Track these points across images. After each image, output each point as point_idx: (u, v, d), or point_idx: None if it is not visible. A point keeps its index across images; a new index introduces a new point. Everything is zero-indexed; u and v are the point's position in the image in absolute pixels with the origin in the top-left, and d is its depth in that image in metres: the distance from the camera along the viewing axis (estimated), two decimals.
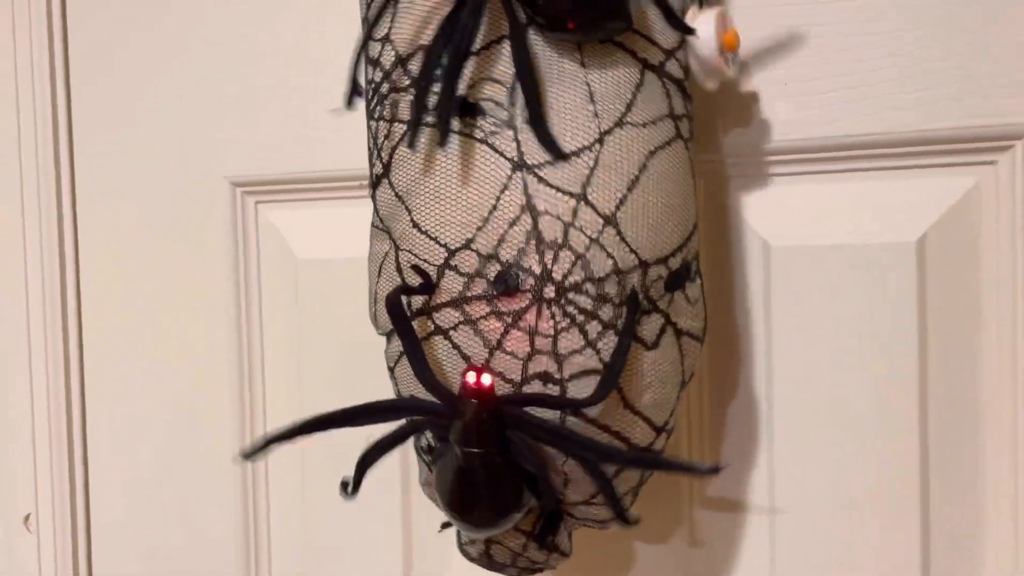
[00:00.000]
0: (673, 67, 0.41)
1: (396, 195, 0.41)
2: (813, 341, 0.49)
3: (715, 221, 0.50)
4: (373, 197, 0.44)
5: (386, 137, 0.42)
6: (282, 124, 0.60)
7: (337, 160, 0.58)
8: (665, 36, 0.41)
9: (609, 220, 0.38)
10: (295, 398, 0.61)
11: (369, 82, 0.44)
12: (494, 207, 0.39)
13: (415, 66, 0.41)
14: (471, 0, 0.39)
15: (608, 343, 0.38)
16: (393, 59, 0.42)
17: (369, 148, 0.44)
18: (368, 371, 0.58)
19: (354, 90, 0.42)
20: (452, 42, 0.38)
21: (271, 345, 0.62)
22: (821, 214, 0.49)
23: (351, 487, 0.43)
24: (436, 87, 0.39)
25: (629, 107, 0.40)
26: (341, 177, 0.59)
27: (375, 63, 0.43)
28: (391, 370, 0.44)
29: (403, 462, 0.57)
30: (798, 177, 0.49)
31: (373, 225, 0.44)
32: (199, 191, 0.63)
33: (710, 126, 0.50)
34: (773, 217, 0.49)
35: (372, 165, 0.43)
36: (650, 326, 0.40)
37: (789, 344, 0.49)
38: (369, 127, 0.44)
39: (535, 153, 0.39)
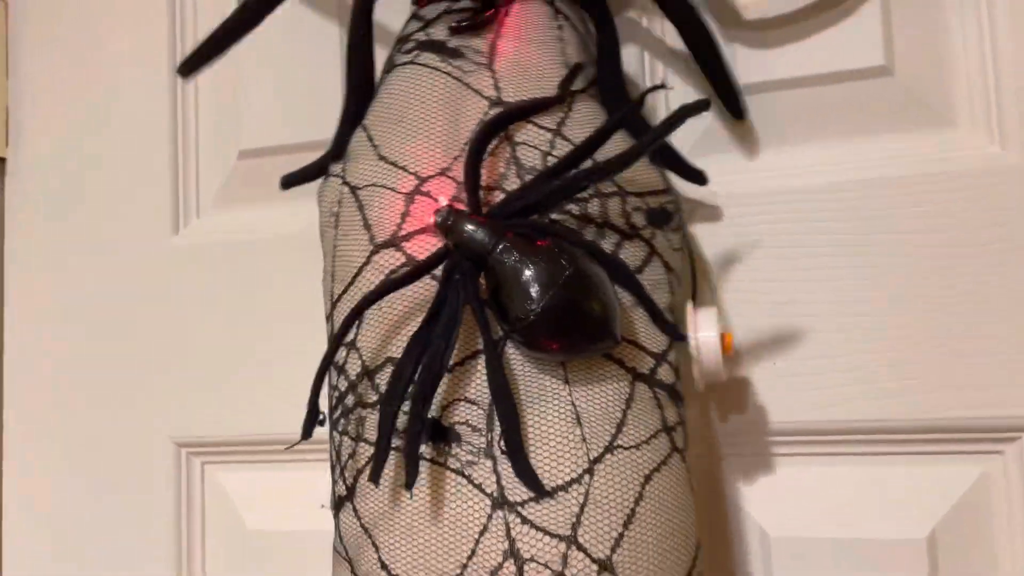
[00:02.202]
0: (664, 372, 0.38)
1: (362, 526, 0.37)
2: None
3: (710, 506, 0.46)
4: (336, 517, 0.39)
5: (351, 456, 0.38)
6: (233, 384, 0.55)
7: (294, 423, 0.54)
8: (653, 339, 0.38)
9: (605, 566, 0.34)
10: None
11: (333, 388, 0.40)
12: (473, 552, 0.34)
13: (383, 380, 0.37)
14: (444, 315, 0.35)
15: None
16: (359, 370, 0.38)
17: (332, 462, 0.39)
18: None
19: (313, 418, 0.38)
20: (424, 363, 0.35)
21: None
22: (822, 502, 0.45)
23: None
24: (405, 406, 0.36)
25: (620, 427, 0.36)
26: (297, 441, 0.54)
27: (340, 370, 0.39)
28: None
29: None
30: (796, 459, 0.46)
31: (335, 549, 0.39)
32: (141, 450, 0.57)
33: (703, 410, 0.47)
34: (772, 504, 0.46)
35: (335, 482, 0.39)
36: None
37: None
38: (332, 438, 0.39)
39: (518, 488, 0.35)
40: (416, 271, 0.36)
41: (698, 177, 0.46)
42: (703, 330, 0.40)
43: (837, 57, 0.46)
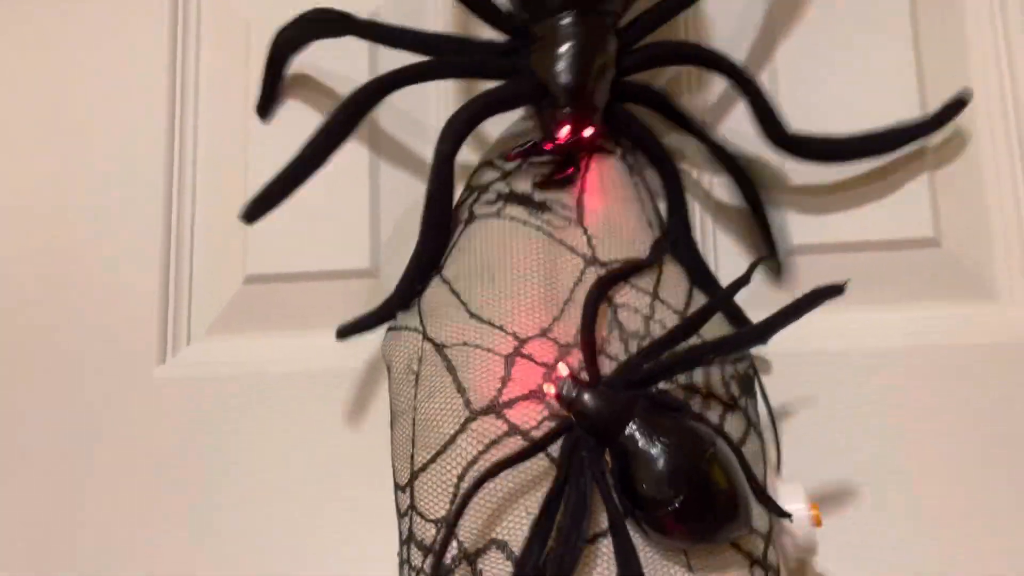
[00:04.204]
0: (771, 554, 0.37)
1: None
2: None
3: None
4: None
5: None
6: (224, 542, 0.49)
7: None
8: (760, 519, 0.37)
9: None
10: None
11: (416, 572, 0.36)
12: None
13: (486, 565, 0.34)
14: (570, 497, 0.33)
15: None
16: (456, 552, 0.34)
17: None
18: None
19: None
20: (555, 553, 0.32)
21: None
22: None
23: None
24: None
25: None
26: None
27: (426, 549, 0.35)
28: None
29: None
30: None
31: None
32: None
33: None
34: None
35: None
36: None
37: None
38: None
39: None
40: (534, 447, 0.34)
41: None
42: (794, 503, 0.39)
43: (886, 226, 0.47)
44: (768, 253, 0.47)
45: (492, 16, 0.43)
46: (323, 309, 0.51)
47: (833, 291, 0.35)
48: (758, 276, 0.48)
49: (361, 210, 0.52)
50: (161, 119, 0.54)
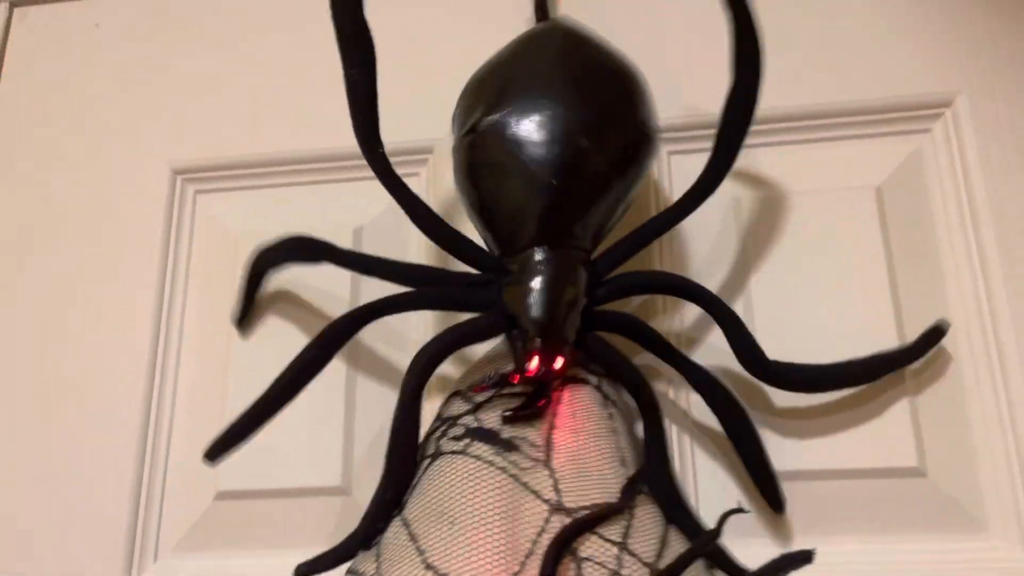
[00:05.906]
0: None
1: None
2: None
3: None
4: None
5: None
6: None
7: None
8: None
9: None
10: None
11: None
12: None
13: None
14: None
15: None
16: None
17: None
18: None
19: None
20: None
21: None
22: None
23: None
24: None
25: None
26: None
27: None
28: None
29: None
30: None
31: None
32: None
33: None
34: None
35: None
36: None
37: None
38: None
39: None
40: None
41: None
42: None
43: (869, 454, 0.46)
44: (759, 487, 0.45)
45: (468, 254, 0.44)
46: (295, 527, 0.50)
47: (803, 558, 0.33)
48: (743, 502, 0.46)
49: (335, 425, 0.51)
50: (146, 333, 0.55)
